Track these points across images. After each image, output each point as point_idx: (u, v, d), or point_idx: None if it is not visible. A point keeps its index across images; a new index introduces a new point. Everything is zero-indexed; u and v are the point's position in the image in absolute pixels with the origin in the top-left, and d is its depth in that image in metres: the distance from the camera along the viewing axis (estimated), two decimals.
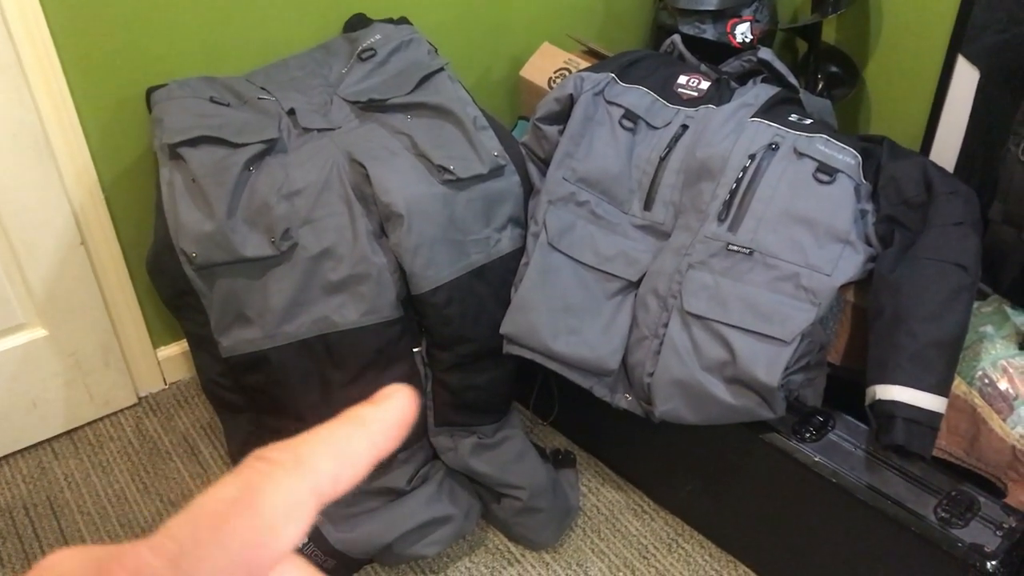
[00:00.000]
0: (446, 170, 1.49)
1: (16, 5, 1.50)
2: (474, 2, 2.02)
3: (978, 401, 1.42)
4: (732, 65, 1.76)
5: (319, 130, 1.55)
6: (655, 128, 1.62)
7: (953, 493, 1.35)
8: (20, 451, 1.88)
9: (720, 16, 2.03)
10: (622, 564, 1.65)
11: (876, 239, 1.50)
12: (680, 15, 2.05)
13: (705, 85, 1.66)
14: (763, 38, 2.08)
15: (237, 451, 1.61)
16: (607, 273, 1.56)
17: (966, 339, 1.43)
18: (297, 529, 0.24)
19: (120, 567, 0.23)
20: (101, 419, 1.96)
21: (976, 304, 1.51)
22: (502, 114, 2.10)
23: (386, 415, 0.28)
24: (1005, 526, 1.30)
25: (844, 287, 1.46)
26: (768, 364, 1.38)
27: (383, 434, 0.28)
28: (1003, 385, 1.42)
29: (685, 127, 1.60)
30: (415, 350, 1.54)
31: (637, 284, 1.55)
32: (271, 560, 0.24)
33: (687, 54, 1.80)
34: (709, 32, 2.03)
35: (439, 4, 1.96)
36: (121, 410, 1.98)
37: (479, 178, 1.53)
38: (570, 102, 1.66)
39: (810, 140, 1.52)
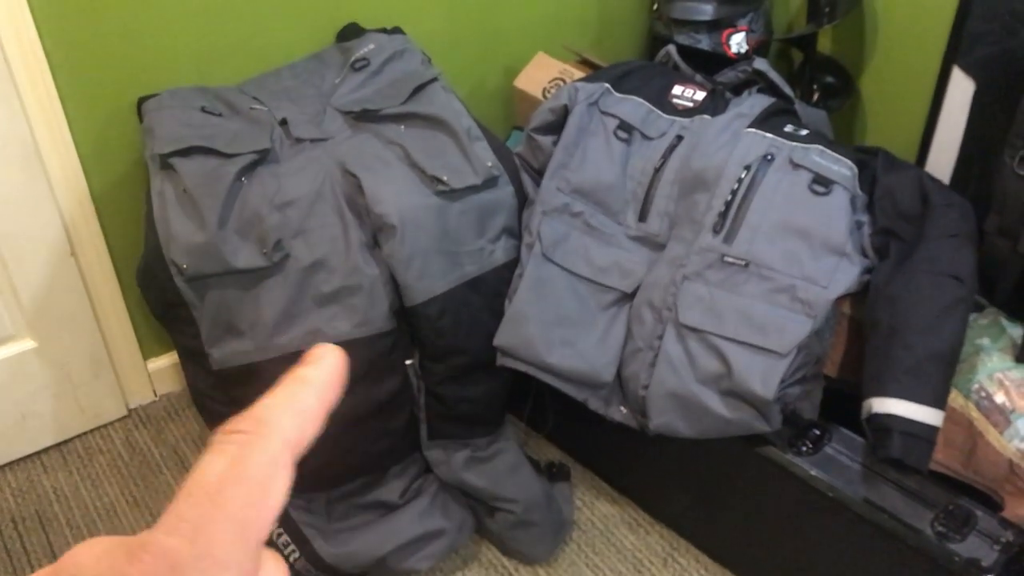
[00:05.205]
0: (439, 181, 1.48)
1: (6, 14, 1.49)
2: (468, 12, 2.01)
3: (975, 414, 1.41)
4: (727, 75, 1.75)
5: (312, 140, 1.54)
6: (650, 139, 1.61)
7: (950, 507, 1.34)
8: (9, 464, 1.86)
9: (715, 26, 2.03)
10: None
11: (872, 251, 1.49)
12: (675, 25, 2.04)
13: (700, 95, 1.65)
14: (758, 48, 2.08)
15: None
16: (601, 284, 1.55)
17: (962, 351, 1.42)
18: (284, 482, 0.28)
19: (146, 553, 0.25)
20: (91, 431, 1.94)
21: (972, 316, 1.51)
22: (496, 124, 2.09)
23: (325, 373, 0.31)
24: (1002, 540, 1.29)
25: (840, 299, 1.46)
26: (764, 377, 1.37)
27: (327, 389, 0.31)
28: (1000, 398, 1.41)
29: (680, 138, 1.59)
30: (408, 362, 1.52)
31: (632, 296, 1.53)
32: (270, 515, 0.27)
33: (682, 64, 1.79)
34: (704, 42, 2.03)
35: (433, 14, 1.96)
36: (111, 422, 1.96)
37: (473, 189, 1.52)
38: (564, 112, 1.65)
39: (806, 151, 1.51)
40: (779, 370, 1.37)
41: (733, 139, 1.55)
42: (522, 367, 1.53)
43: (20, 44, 1.52)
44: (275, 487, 0.28)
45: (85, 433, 1.93)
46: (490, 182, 1.54)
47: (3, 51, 1.51)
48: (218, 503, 0.26)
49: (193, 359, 1.51)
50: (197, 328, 1.46)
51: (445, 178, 1.48)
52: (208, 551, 0.25)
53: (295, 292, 1.43)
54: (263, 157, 1.48)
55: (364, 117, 1.59)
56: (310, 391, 0.31)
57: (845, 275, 1.44)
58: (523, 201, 1.61)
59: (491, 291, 1.55)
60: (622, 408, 1.52)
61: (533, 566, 1.66)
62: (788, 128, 1.57)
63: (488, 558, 1.67)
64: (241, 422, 0.29)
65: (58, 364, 1.82)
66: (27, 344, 1.78)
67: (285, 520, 1.55)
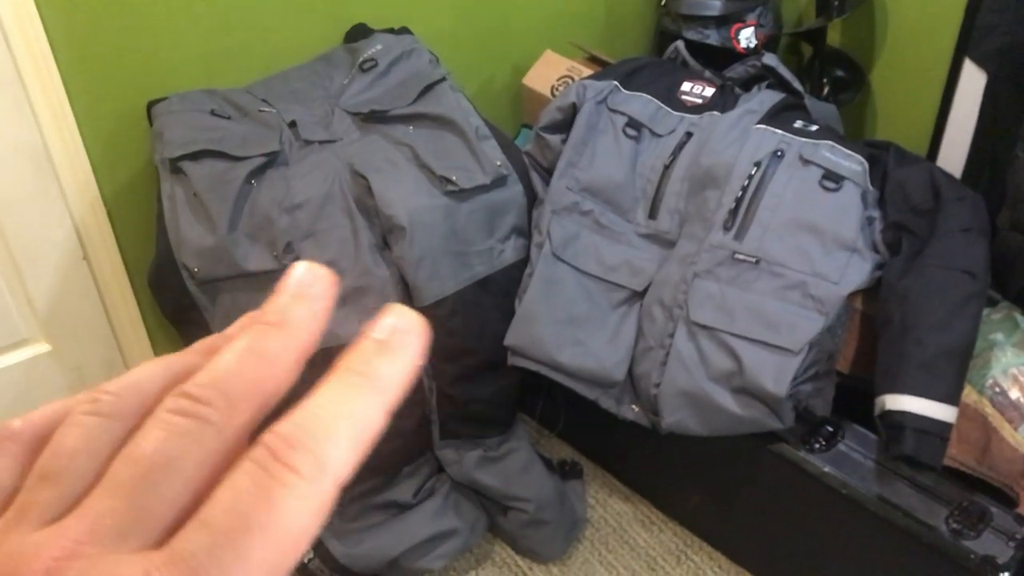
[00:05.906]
0: (448, 181, 1.48)
1: (16, 21, 1.50)
2: (476, 11, 2.01)
3: (989, 410, 1.40)
4: (736, 71, 1.74)
5: (320, 142, 1.54)
6: (659, 136, 1.61)
7: (964, 503, 1.34)
8: None
9: (724, 21, 2.02)
10: None
11: (883, 246, 1.48)
12: (684, 21, 2.04)
13: (709, 91, 1.65)
14: (768, 43, 2.07)
15: None
16: (612, 283, 1.54)
17: (976, 347, 1.41)
18: (316, 529, 0.22)
19: None
20: None
21: (985, 311, 1.50)
22: (505, 123, 2.09)
23: (403, 370, 0.24)
24: (1018, 536, 1.29)
25: (852, 295, 1.45)
26: (776, 374, 1.37)
27: (396, 391, 0.24)
28: (1014, 394, 1.40)
29: (689, 134, 1.59)
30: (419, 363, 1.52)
31: (642, 294, 1.53)
32: (288, 569, 0.22)
33: (691, 60, 1.78)
34: (713, 38, 2.02)
35: (440, 13, 1.95)
36: None
37: (482, 188, 1.52)
38: (573, 111, 1.65)
39: (816, 147, 1.50)
40: (791, 367, 1.37)
41: (743, 136, 1.54)
42: (533, 366, 1.53)
43: (31, 51, 1.52)
44: (311, 534, 0.22)
45: None
46: (499, 181, 1.54)
47: (14, 58, 1.52)
48: (242, 554, 0.21)
49: None
50: (209, 331, 1.47)
51: (454, 178, 1.48)
52: None
53: None
54: (272, 160, 1.49)
55: (372, 118, 1.59)
56: (378, 402, 0.24)
57: (857, 271, 1.43)
58: (532, 200, 1.61)
59: (501, 291, 1.55)
60: (634, 406, 1.52)
61: (546, 564, 1.66)
62: (798, 123, 1.56)
63: (501, 557, 1.67)
64: (293, 447, 0.22)
65: (71, 367, 1.83)
66: (41, 347, 1.79)
67: None
